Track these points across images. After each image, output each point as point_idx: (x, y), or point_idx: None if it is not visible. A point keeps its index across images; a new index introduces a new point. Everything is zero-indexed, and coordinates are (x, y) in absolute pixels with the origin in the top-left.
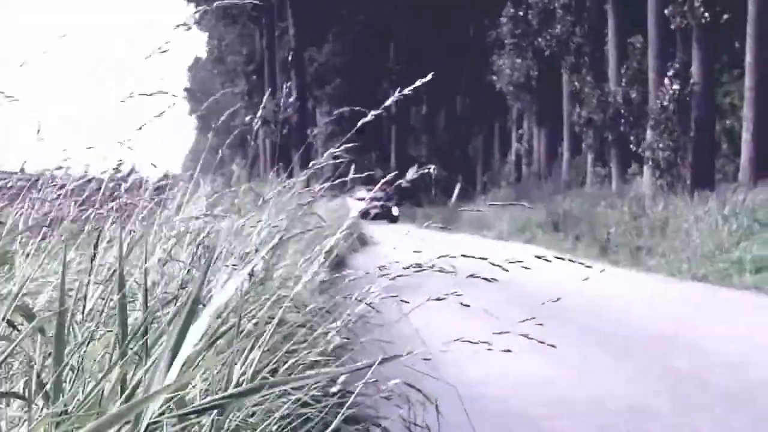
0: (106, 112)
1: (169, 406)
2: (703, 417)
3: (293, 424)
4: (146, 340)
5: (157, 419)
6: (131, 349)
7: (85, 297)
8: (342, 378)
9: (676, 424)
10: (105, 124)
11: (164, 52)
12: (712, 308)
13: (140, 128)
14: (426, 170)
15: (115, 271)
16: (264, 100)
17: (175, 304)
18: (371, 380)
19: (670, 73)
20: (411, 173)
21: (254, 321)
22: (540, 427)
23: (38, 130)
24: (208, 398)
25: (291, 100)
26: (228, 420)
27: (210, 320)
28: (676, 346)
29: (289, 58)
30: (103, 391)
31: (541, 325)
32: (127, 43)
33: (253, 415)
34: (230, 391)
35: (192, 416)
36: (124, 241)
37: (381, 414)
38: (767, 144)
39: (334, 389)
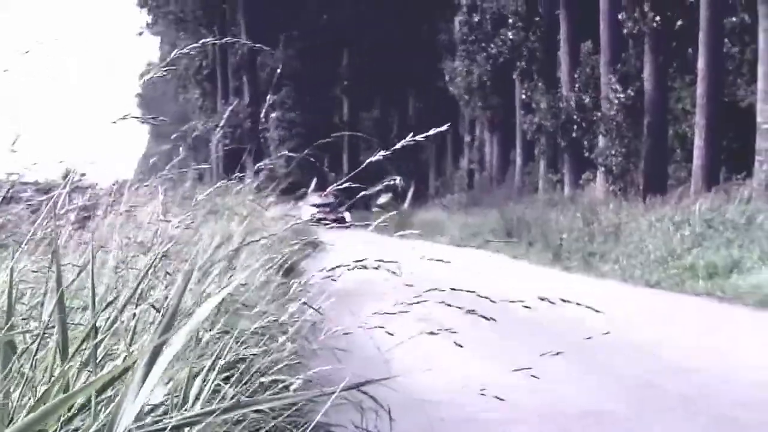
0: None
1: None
2: (657, 421)
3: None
4: (95, 346)
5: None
6: (79, 355)
7: (42, 304)
8: (295, 385)
9: (629, 429)
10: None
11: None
12: (665, 314)
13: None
14: (392, 181)
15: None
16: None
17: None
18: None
19: (617, 78)
20: (383, 198)
21: (211, 332)
22: (497, 430)
23: None
24: (178, 416)
25: (243, 105)
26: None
27: (188, 336)
28: (629, 351)
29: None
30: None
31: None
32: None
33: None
34: (202, 410)
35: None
36: (77, 249)
37: (333, 421)
38: (719, 150)
39: (287, 397)
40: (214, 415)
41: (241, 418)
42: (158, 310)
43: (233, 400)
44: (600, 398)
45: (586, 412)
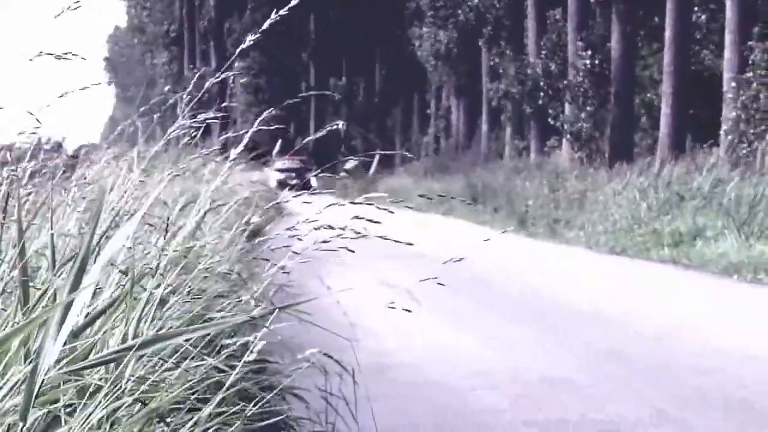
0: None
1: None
2: (619, 388)
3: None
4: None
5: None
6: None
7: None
8: (259, 346)
9: (592, 395)
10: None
11: (75, 8)
12: (630, 281)
13: (62, 96)
14: (335, 126)
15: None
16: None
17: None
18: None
19: (584, 46)
20: (350, 164)
21: (170, 287)
22: (463, 397)
23: None
24: (103, 352)
25: (210, 70)
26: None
27: (100, 272)
28: (594, 318)
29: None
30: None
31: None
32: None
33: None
34: (125, 344)
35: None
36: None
37: (298, 384)
38: (686, 118)
39: (250, 358)
40: (133, 350)
41: (204, 376)
42: (124, 273)
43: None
44: (561, 364)
45: (546, 378)
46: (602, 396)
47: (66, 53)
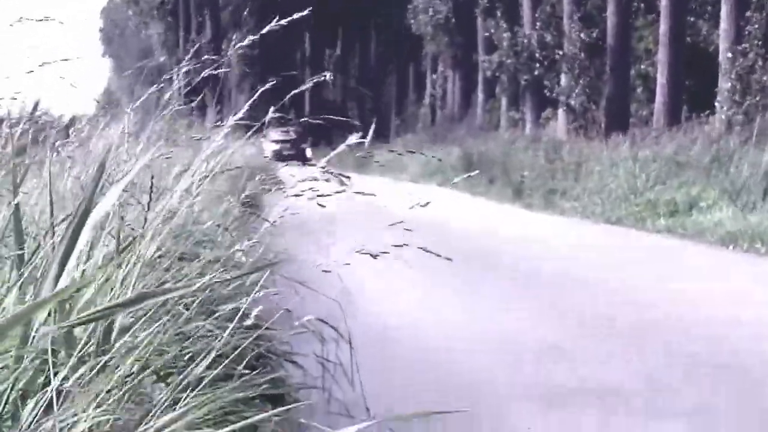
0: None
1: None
2: (613, 355)
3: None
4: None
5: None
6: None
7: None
8: (255, 311)
9: (585, 362)
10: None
11: None
12: (625, 250)
13: (42, 65)
14: (323, 77)
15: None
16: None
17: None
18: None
19: (580, 16)
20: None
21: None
22: (458, 361)
23: None
24: (92, 309)
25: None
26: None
27: (92, 231)
28: (589, 287)
29: None
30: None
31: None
32: None
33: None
34: (114, 302)
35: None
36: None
37: (295, 350)
38: (681, 88)
39: (247, 322)
40: (120, 306)
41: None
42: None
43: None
44: (555, 332)
45: (541, 345)
46: (595, 364)
47: (46, 17)
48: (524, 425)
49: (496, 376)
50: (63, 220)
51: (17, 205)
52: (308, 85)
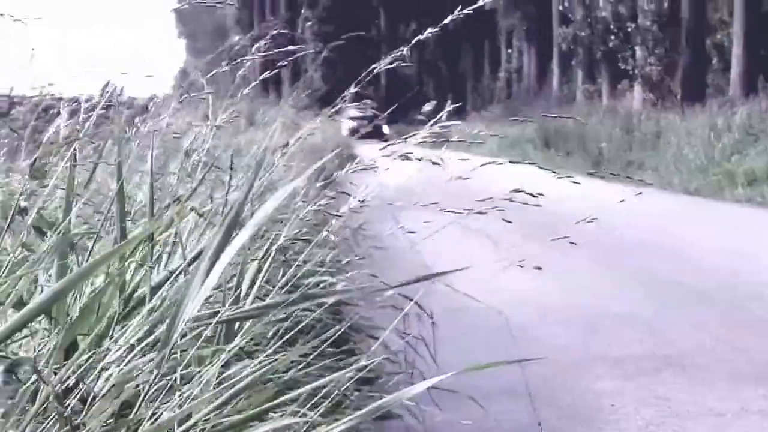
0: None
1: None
2: (681, 315)
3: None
4: (152, 246)
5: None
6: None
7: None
8: (339, 286)
9: (652, 327)
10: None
11: None
12: (701, 219)
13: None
14: (400, 52)
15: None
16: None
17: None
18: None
19: None
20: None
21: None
22: (528, 333)
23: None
24: (251, 305)
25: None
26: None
27: (251, 233)
28: (665, 256)
29: None
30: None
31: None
32: None
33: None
34: (271, 300)
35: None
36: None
37: (377, 325)
38: (757, 58)
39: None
40: (280, 307)
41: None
42: (201, 215)
43: (288, 295)
44: (628, 299)
45: (614, 313)
46: (665, 327)
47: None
48: (607, 398)
49: (570, 346)
50: (167, 206)
51: (122, 186)
52: (387, 60)
